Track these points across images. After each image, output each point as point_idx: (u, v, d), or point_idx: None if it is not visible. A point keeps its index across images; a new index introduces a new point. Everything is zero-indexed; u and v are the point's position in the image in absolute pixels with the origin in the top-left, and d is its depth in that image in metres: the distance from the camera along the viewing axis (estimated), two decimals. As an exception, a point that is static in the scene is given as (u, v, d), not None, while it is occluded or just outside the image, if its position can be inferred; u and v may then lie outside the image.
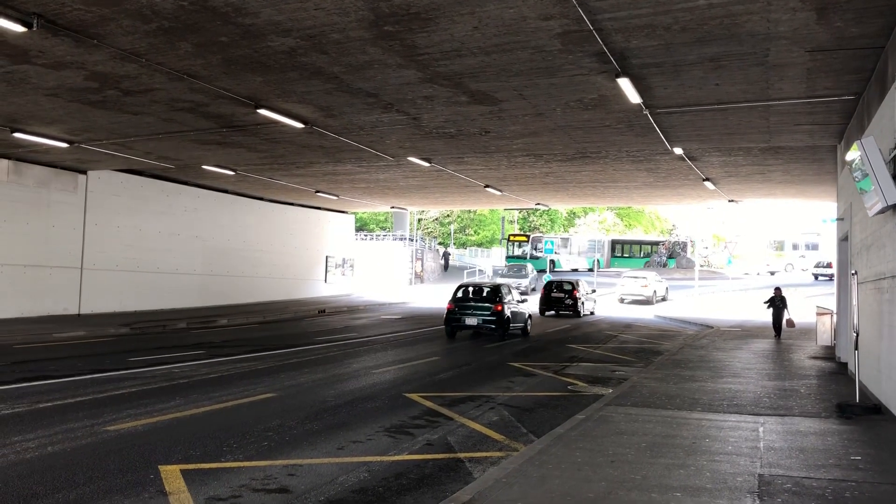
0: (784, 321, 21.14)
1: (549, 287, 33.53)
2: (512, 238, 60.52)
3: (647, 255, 69.19)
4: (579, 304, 32.21)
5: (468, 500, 5.77)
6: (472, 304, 21.27)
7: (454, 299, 21.41)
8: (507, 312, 20.97)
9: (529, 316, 23.53)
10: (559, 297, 32.50)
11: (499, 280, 40.03)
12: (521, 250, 58.70)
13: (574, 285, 32.78)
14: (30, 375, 12.40)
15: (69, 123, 16.79)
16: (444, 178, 25.70)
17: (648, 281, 41.00)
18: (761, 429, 8.76)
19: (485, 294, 21.62)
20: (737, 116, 14.71)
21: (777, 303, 21.36)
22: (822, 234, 74.53)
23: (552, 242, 57.15)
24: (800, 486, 6.30)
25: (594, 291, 35.82)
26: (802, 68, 11.23)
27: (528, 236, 60.70)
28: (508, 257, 58.96)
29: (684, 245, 70.48)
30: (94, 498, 6.07)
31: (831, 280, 50.98)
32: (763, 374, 13.67)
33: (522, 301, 23.33)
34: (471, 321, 20.86)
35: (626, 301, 40.50)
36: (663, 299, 41.62)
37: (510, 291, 22.48)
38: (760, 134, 16.40)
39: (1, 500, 5.94)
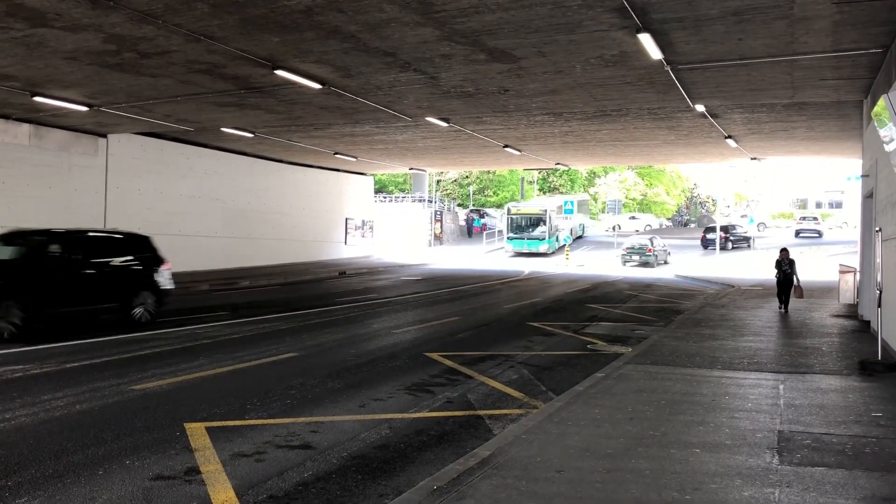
0: (792, 290, 17.36)
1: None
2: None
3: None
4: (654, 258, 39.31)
5: (488, 456, 5.84)
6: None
7: None
8: None
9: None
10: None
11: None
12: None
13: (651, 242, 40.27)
14: (58, 336, 12.61)
15: (88, 87, 16.82)
16: (463, 138, 25.55)
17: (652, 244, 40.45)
18: (781, 386, 8.75)
19: None
20: (760, 72, 14.45)
21: (784, 267, 17.53)
22: (846, 191, 73.63)
23: (572, 203, 54.32)
24: (819, 443, 6.31)
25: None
26: (828, 21, 10.98)
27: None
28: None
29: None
30: (122, 454, 6.21)
31: (819, 237, 49.98)
32: (784, 333, 13.62)
33: None
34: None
35: (628, 265, 39.72)
36: (665, 262, 40.91)
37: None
38: (784, 90, 16.12)
39: (33, 456, 6.10)
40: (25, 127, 22.07)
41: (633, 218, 68.98)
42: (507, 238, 45.60)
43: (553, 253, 44.63)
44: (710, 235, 45.89)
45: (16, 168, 21.90)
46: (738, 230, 49.58)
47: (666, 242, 43.57)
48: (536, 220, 45.13)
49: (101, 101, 18.62)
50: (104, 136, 24.67)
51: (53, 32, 12.43)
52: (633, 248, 39.74)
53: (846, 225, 65.68)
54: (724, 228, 46.55)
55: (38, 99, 17.84)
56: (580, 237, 53.76)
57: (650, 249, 39.12)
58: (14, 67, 15.04)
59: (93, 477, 5.65)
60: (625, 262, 39.47)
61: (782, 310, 17.12)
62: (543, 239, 44.45)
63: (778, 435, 6.55)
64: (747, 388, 8.64)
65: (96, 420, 7.30)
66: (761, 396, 8.20)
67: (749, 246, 47.54)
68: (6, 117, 21.27)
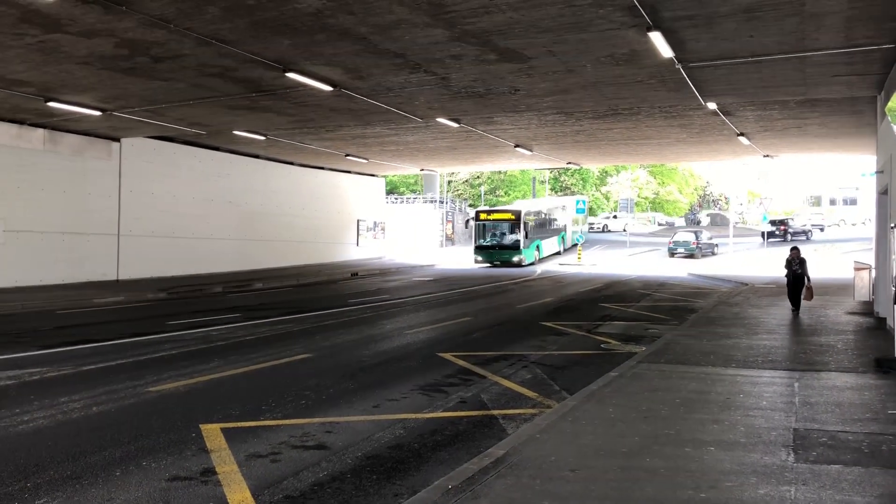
0: (803, 291, 16.31)
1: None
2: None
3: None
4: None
5: (502, 455, 5.85)
6: None
7: None
8: None
9: None
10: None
11: None
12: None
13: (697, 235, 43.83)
14: (73, 339, 12.72)
15: (101, 91, 16.94)
16: (474, 138, 25.56)
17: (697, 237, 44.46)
18: (797, 384, 8.71)
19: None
20: (772, 69, 14.38)
21: (794, 266, 16.46)
22: (860, 188, 73.17)
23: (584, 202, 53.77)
24: (835, 440, 6.28)
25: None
26: (841, 17, 10.92)
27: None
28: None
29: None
30: (139, 455, 6.26)
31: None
32: (799, 330, 13.55)
33: None
34: None
35: (676, 256, 43.22)
36: (713, 254, 44.39)
37: None
38: (796, 86, 16.03)
39: (51, 458, 6.16)
40: (40, 132, 22.25)
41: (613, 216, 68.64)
42: (475, 249, 38.07)
43: (532, 263, 37.85)
44: (769, 229, 51.51)
45: (31, 172, 22.08)
46: (796, 225, 55.23)
47: (712, 235, 47.05)
48: (508, 228, 37.52)
49: (114, 106, 18.75)
50: (117, 140, 24.83)
51: (67, 38, 12.52)
52: (679, 241, 43.68)
53: (843, 223, 65.86)
54: (783, 222, 53.83)
55: (52, 104, 17.98)
56: (575, 245, 46.16)
57: (695, 242, 43.00)
58: (28, 73, 15.17)
59: (110, 478, 5.70)
60: (672, 253, 43.13)
61: (794, 311, 16.26)
62: (517, 249, 36.88)
63: (793, 433, 6.52)
64: (762, 387, 8.61)
65: (113, 422, 7.36)
66: (776, 394, 8.17)
67: (808, 239, 51.36)
68: (21, 122, 21.45)
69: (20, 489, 5.44)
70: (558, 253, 43.05)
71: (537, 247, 39.48)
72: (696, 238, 43.82)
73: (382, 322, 15.91)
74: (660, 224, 73.76)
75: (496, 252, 37.31)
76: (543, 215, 42.36)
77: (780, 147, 27.89)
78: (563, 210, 46.01)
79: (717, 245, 45.44)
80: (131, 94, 17.26)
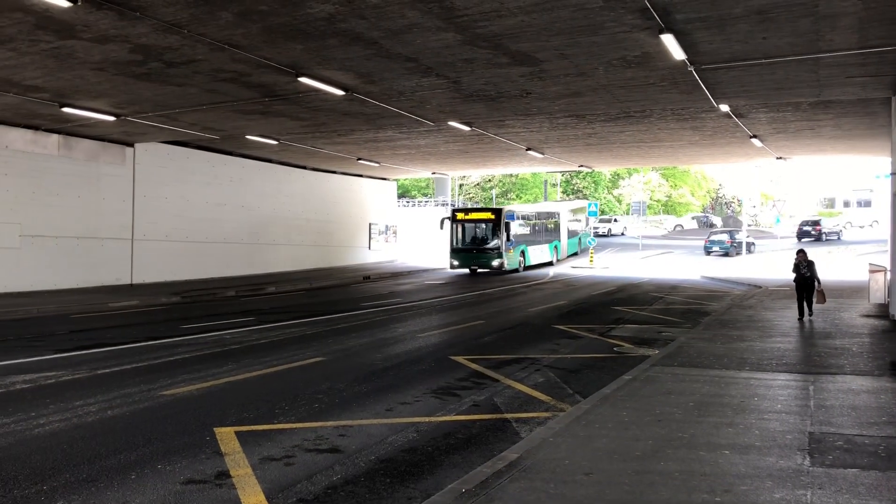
0: (814, 294, 15.68)
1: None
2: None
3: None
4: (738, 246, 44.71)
5: (516, 458, 5.84)
6: None
7: None
8: None
9: None
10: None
11: None
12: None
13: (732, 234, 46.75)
14: (88, 343, 12.81)
15: (115, 97, 17.07)
16: (485, 141, 25.56)
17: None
18: (811, 387, 8.66)
19: None
20: (785, 70, 14.32)
21: (802, 269, 15.75)
22: (875, 189, 72.65)
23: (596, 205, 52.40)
24: (852, 444, 6.24)
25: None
26: (854, 18, 10.87)
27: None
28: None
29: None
30: (154, 459, 6.29)
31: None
32: (813, 333, 13.47)
33: None
34: None
35: (712, 254, 45.64)
36: (750, 252, 46.55)
37: None
38: (810, 88, 15.95)
39: (67, 461, 6.20)
40: (54, 137, 22.43)
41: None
42: (451, 252, 34.54)
43: (515, 270, 34.99)
44: (805, 228, 54.99)
45: (45, 178, 22.26)
46: (829, 226, 57.60)
47: (749, 235, 49.39)
48: (488, 230, 34.10)
49: (128, 111, 18.88)
50: (131, 145, 25.00)
51: (81, 44, 12.63)
52: (714, 240, 46.40)
53: (850, 225, 65.68)
54: (817, 223, 56.48)
55: (66, 109, 18.12)
56: (575, 253, 45.17)
57: (729, 241, 45.87)
58: (43, 79, 15.30)
59: (125, 481, 5.73)
60: (708, 251, 45.67)
61: (802, 318, 15.50)
62: (497, 252, 33.41)
63: (809, 436, 6.48)
64: (776, 390, 8.56)
65: (128, 425, 7.40)
66: (791, 398, 8.13)
67: (839, 239, 54.66)
68: (36, 128, 21.63)
69: (36, 492, 5.48)
70: (550, 263, 39.48)
71: (522, 252, 35.96)
72: (731, 237, 46.55)
73: (394, 325, 15.93)
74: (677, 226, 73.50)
75: (473, 255, 34.02)
76: (532, 219, 38.83)
77: (793, 149, 27.74)
78: (559, 216, 42.26)
79: (753, 244, 47.95)
80: (145, 100, 17.37)
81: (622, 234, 61.21)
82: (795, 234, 55.10)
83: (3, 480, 5.72)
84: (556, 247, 40.76)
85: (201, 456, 6.38)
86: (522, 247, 35.94)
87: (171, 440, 6.86)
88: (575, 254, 44.49)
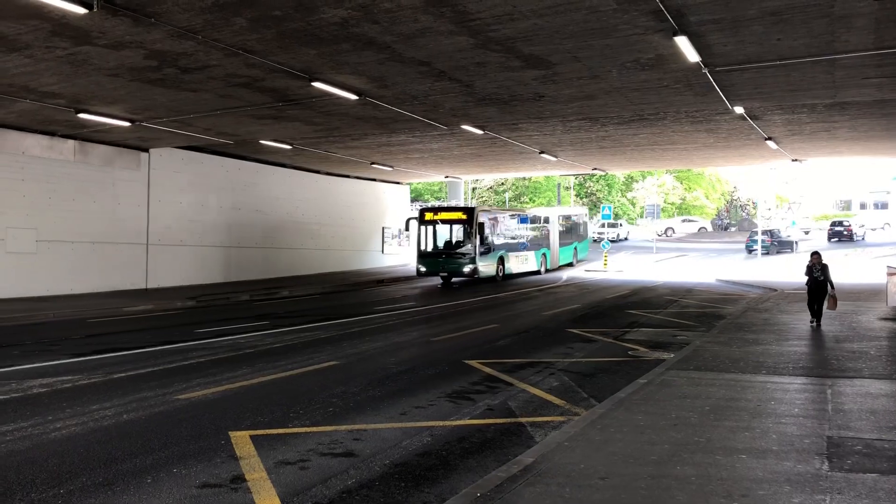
0: (826, 299, 14.86)
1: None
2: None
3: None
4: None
5: (531, 463, 5.82)
6: None
7: None
8: None
9: None
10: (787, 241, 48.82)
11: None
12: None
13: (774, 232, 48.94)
14: (104, 347, 12.88)
15: (130, 102, 17.18)
16: (499, 145, 25.55)
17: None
18: (829, 391, 8.58)
19: None
20: (800, 72, 14.23)
21: (816, 273, 14.97)
22: (892, 191, 72.04)
23: (610, 208, 50.71)
24: (871, 448, 6.17)
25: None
26: (870, 18, 10.78)
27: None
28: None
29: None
30: (170, 463, 6.31)
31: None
32: (831, 337, 13.35)
33: None
34: None
35: (752, 252, 46.57)
36: (792, 251, 47.98)
37: None
38: (825, 89, 15.84)
39: (84, 465, 6.23)
40: (70, 143, 22.61)
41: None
42: (418, 256, 30.90)
43: (492, 278, 31.49)
44: (836, 228, 55.96)
45: (62, 183, 22.44)
46: (851, 226, 57.81)
47: (789, 234, 51.85)
48: (459, 232, 30.43)
49: (143, 116, 19.00)
50: (146, 150, 25.16)
51: (97, 50, 12.73)
52: (755, 239, 47.19)
53: (863, 228, 64.72)
54: (840, 223, 57.57)
55: (82, 115, 18.26)
56: (570, 264, 40.88)
57: (769, 239, 47.63)
58: (59, 85, 15.43)
59: (141, 485, 5.76)
60: (749, 250, 47.09)
61: (813, 324, 14.78)
62: (469, 257, 29.72)
63: (827, 440, 6.42)
64: (794, 394, 8.49)
65: (143, 429, 7.43)
66: (808, 401, 8.06)
67: (863, 239, 55.82)
68: (52, 134, 21.81)
69: (54, 495, 5.51)
70: (538, 272, 35.83)
71: (501, 259, 32.01)
72: (771, 236, 48.73)
73: (408, 329, 15.93)
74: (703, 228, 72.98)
75: (442, 260, 30.34)
76: (515, 223, 34.82)
77: (808, 151, 27.55)
78: (548, 221, 38.23)
79: (795, 242, 49.93)
80: (159, 105, 17.48)
81: (626, 238, 60.51)
82: (827, 235, 55.66)
83: (21, 484, 5.75)
84: (544, 255, 37.03)
85: (216, 460, 6.39)
86: (501, 253, 32.17)
87: (186, 444, 6.88)
88: (570, 264, 40.68)
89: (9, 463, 6.30)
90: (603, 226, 59.57)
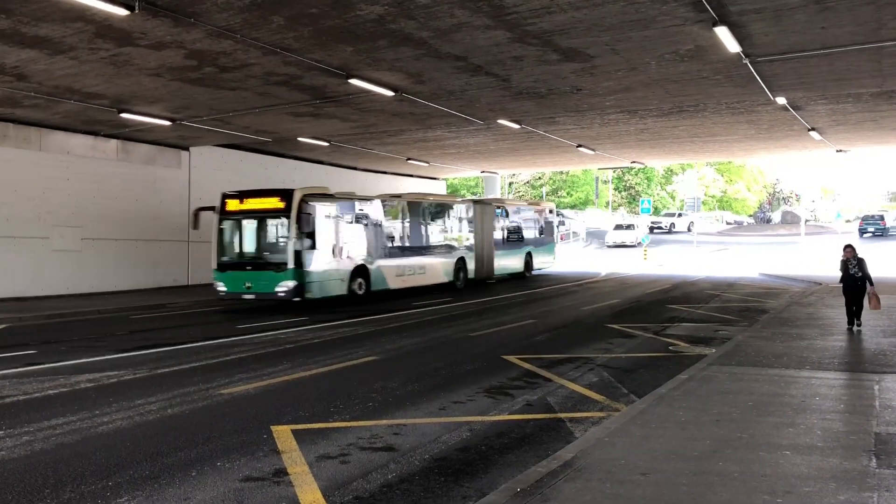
0: (867, 297, 13.00)
1: None
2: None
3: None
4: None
5: (571, 458, 5.79)
6: None
7: None
8: None
9: None
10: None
11: None
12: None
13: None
14: (147, 343, 13.12)
15: (171, 102, 17.46)
16: (535, 139, 25.44)
17: None
18: (877, 387, 8.39)
19: None
20: (845, 61, 13.92)
21: (851, 268, 13.06)
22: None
23: (649, 201, 48.43)
24: (920, 445, 6.03)
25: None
26: (918, 4, 10.52)
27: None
28: None
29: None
30: (214, 456, 6.41)
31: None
32: (878, 331, 13.06)
33: None
34: None
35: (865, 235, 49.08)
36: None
37: None
38: (871, 78, 15.49)
39: (130, 458, 6.36)
40: (113, 142, 23.06)
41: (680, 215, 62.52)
42: (216, 267, 19.42)
43: (350, 298, 20.20)
44: (868, 223, 54.26)
45: (105, 182, 22.90)
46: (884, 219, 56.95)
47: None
48: (273, 231, 19.54)
49: (183, 116, 19.30)
50: (186, 148, 25.55)
51: (139, 51, 12.96)
52: (869, 223, 50.58)
53: None
54: (872, 216, 55.55)
55: (124, 115, 18.62)
56: (522, 274, 30.96)
57: (883, 222, 50.48)
58: (102, 86, 15.74)
59: (186, 478, 5.85)
60: (862, 233, 49.61)
61: (852, 327, 13.22)
62: (285, 265, 18.36)
63: (875, 437, 6.29)
64: (839, 389, 8.33)
65: (187, 423, 7.56)
66: (855, 397, 7.89)
67: None
68: (95, 134, 22.26)
69: (102, 487, 5.63)
70: (452, 285, 25.50)
71: (361, 270, 20.75)
72: (884, 219, 51.36)
73: (445, 325, 15.96)
74: (728, 223, 71.97)
75: (248, 274, 19.03)
76: (392, 215, 23.06)
77: (853, 141, 26.98)
78: (460, 220, 27.04)
79: None
80: (199, 104, 17.73)
81: (639, 243, 57.42)
82: (858, 230, 52.25)
83: (70, 476, 5.89)
84: (462, 261, 26.27)
85: (259, 454, 6.47)
86: (361, 262, 20.79)
87: (229, 438, 6.98)
88: (522, 274, 30.85)
89: (59, 456, 6.45)
90: (673, 216, 59.41)
